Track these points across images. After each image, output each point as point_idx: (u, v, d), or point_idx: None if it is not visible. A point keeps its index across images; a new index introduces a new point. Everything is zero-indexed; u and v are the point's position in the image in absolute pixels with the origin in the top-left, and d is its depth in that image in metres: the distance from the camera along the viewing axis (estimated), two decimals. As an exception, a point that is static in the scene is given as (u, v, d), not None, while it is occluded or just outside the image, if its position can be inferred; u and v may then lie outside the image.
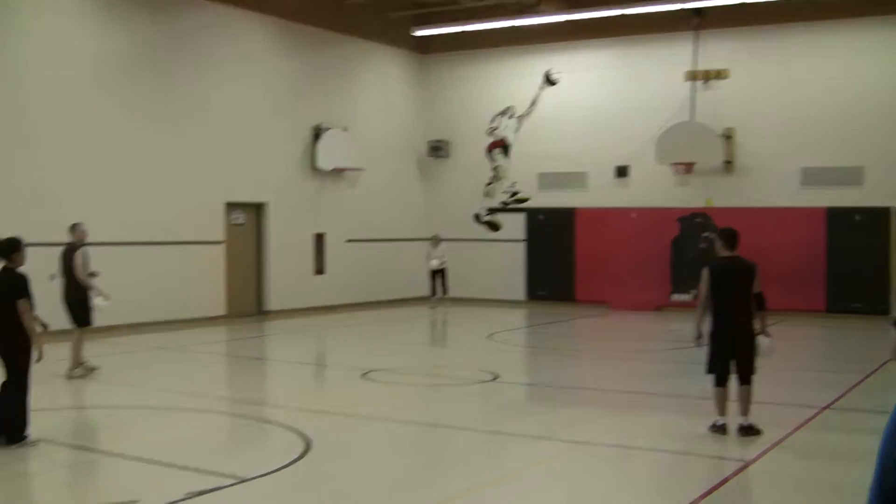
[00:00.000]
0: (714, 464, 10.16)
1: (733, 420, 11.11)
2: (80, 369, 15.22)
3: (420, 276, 29.20)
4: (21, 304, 10.26)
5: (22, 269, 10.63)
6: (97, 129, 20.76)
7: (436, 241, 27.63)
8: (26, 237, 18.68)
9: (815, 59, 25.12)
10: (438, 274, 27.51)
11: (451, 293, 27.56)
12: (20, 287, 10.33)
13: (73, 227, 15.51)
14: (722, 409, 11.25)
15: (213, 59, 23.43)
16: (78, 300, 15.34)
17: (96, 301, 15.31)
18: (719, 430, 11.11)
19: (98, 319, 15.81)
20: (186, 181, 22.67)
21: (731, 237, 11.40)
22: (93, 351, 15.58)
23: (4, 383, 10.37)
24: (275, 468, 9.53)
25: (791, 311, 23.90)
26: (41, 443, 10.33)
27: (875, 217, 24.19)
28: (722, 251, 11.43)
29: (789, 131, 25.20)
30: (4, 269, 10.45)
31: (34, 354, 10.36)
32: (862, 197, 24.40)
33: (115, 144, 21.10)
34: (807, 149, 25.05)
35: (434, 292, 27.61)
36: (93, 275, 15.49)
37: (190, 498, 8.42)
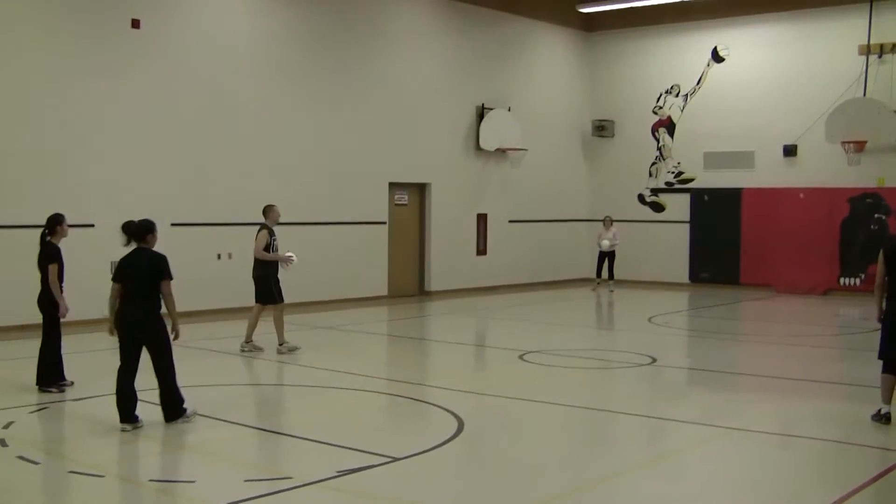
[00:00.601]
0: (877, 454, 9.81)
1: (899, 409, 10.76)
2: (249, 345, 15.74)
3: (583, 257, 29.12)
4: (164, 285, 10.31)
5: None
6: (264, 113, 21.22)
7: (607, 222, 27.22)
8: (191, 218, 19.44)
9: None
10: (607, 256, 27.20)
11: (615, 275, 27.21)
12: (164, 267, 10.36)
13: (267, 209, 15.97)
14: (887, 397, 10.84)
15: (377, 39, 23.66)
16: (257, 277, 15.79)
17: (287, 255, 15.71)
18: (882, 418, 10.72)
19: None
20: (351, 161, 23.00)
21: None
22: (258, 329, 15.91)
23: (154, 367, 10.48)
24: (427, 448, 9.62)
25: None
26: (197, 416, 10.63)
27: None
28: None
29: (969, 107, 24.18)
30: (140, 249, 10.45)
31: (173, 333, 10.47)
32: None
33: (281, 127, 21.54)
34: None
35: (599, 274, 27.31)
36: (288, 259, 15.84)
37: (341, 476, 8.56)
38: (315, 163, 22.20)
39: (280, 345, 15.69)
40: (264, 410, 12.11)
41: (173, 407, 10.49)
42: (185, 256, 17.51)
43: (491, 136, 26.22)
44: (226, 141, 20.52)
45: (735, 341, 18.89)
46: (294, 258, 15.84)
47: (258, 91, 21.16)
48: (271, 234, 15.73)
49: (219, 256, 20.07)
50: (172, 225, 18.59)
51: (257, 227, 15.84)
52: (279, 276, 15.92)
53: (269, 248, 15.64)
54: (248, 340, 15.78)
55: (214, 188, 20.27)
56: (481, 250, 26.77)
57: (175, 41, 19.77)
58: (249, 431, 10.54)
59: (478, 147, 26.24)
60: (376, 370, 14.96)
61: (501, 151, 26.58)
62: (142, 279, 10.33)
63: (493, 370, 15.64)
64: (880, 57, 25.21)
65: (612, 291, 26.75)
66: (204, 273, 19.43)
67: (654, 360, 15.36)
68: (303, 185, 21.83)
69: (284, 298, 15.97)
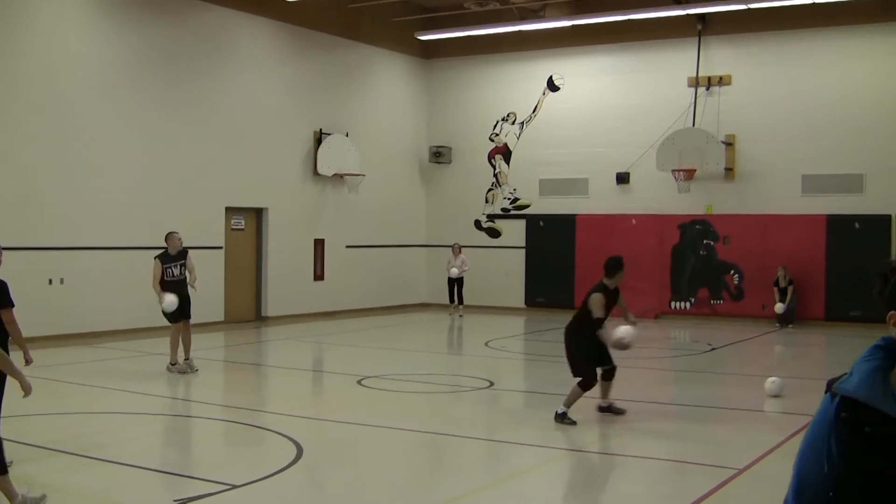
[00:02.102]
0: (711, 472, 10.07)
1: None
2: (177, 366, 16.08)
3: (421, 282, 29.20)
4: (5, 314, 9.22)
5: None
6: (99, 134, 20.66)
7: (456, 249, 27.32)
8: (26, 241, 18.82)
9: (818, 66, 25.02)
10: (457, 282, 27.28)
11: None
12: (1, 294, 9.28)
13: (167, 237, 16.24)
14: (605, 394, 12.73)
15: (215, 63, 23.37)
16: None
17: (165, 302, 15.80)
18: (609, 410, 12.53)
19: (115, 321, 15.86)
20: (187, 185, 22.59)
21: (604, 266, 13.33)
22: (92, 355, 15.57)
23: None
24: (266, 474, 9.50)
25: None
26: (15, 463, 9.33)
27: (875, 225, 24.05)
28: None
29: (790, 138, 25.13)
30: None
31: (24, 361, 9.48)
32: (862, 205, 24.34)
33: (117, 148, 20.99)
34: (808, 156, 24.97)
35: (452, 300, 27.39)
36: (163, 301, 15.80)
37: (178, 504, 8.41)
38: (150, 185, 21.72)
39: (171, 364, 16.13)
40: (101, 439, 11.69)
41: None
42: (14, 282, 16.82)
43: (329, 162, 26.13)
44: (57, 161, 19.88)
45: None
46: (164, 299, 15.84)
47: (91, 111, 20.58)
48: (166, 261, 15.89)
49: (50, 282, 19.48)
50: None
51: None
52: (188, 293, 16.33)
53: (164, 275, 15.94)
54: (186, 358, 16.28)
55: (45, 210, 19.59)
56: (318, 275, 26.61)
57: (12, 57, 19.14)
58: (85, 461, 10.18)
59: (315, 172, 26.11)
60: (214, 397, 14.74)
61: (339, 177, 26.51)
62: None
63: (331, 396, 15.57)
64: (708, 89, 26.10)
65: (461, 316, 26.90)
66: (34, 299, 18.80)
67: (492, 384, 15.51)
68: (137, 208, 21.31)
69: (181, 318, 16.34)
